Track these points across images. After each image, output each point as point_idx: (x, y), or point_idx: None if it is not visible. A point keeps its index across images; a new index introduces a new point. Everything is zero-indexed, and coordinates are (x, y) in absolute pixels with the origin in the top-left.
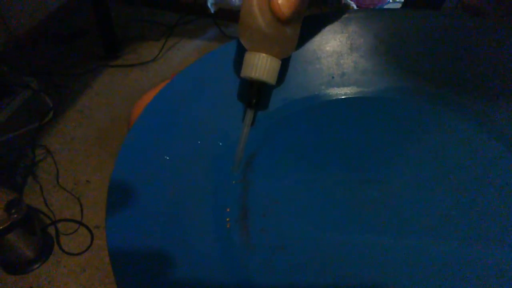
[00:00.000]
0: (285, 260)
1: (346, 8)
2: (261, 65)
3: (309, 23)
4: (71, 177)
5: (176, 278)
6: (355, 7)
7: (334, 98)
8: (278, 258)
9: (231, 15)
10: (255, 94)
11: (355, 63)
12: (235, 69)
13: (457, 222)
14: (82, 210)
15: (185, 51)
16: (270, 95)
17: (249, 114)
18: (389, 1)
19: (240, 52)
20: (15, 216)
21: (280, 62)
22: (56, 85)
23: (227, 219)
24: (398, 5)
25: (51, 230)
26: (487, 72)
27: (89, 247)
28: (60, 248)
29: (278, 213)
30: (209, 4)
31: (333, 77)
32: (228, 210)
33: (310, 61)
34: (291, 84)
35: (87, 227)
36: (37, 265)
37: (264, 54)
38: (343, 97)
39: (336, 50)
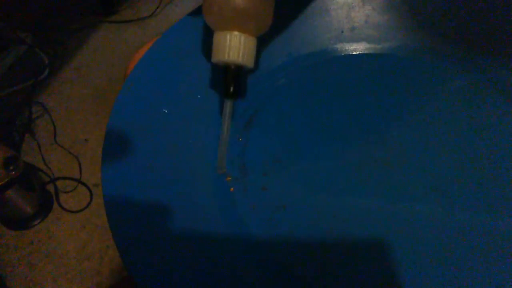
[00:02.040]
0: (286, 219)
1: None
2: (234, 46)
3: None
4: (69, 136)
5: (173, 232)
6: None
7: (343, 54)
8: (279, 217)
9: None
10: (231, 81)
11: (367, 17)
12: None
13: (461, 187)
14: (80, 169)
15: (184, 7)
16: (274, 50)
17: (228, 105)
18: None
19: None
20: (13, 173)
21: (256, 40)
22: (52, 41)
23: (228, 178)
24: None
25: (50, 187)
26: None
27: (88, 204)
28: (60, 205)
29: (280, 172)
30: None
31: (342, 32)
32: (225, 170)
33: (318, 13)
34: (297, 37)
35: (86, 185)
36: (37, 221)
37: (236, 32)
38: (352, 53)
39: (347, 2)
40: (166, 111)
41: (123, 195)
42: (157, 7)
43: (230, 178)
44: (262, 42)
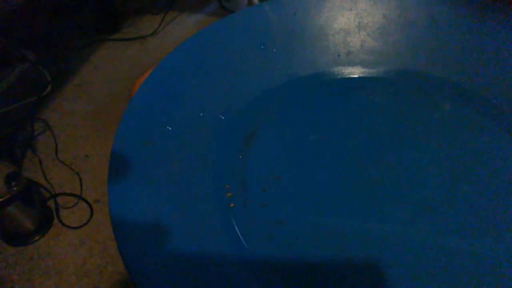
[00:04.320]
0: (284, 235)
1: None
2: None
3: None
4: (70, 152)
5: (176, 246)
6: None
7: (339, 77)
8: (277, 233)
9: None
10: None
11: (362, 42)
12: (239, 41)
13: (452, 208)
14: (81, 185)
15: (185, 26)
16: (274, 71)
17: None
18: None
19: (244, 25)
20: (15, 188)
21: None
22: (54, 58)
23: (228, 194)
24: None
25: (51, 203)
26: (503, 60)
27: (88, 221)
28: (60, 221)
29: (278, 189)
30: None
31: (339, 55)
32: (227, 186)
33: (316, 38)
34: (296, 60)
35: (86, 201)
36: (37, 237)
37: None
38: (348, 76)
39: (343, 28)
40: (170, 129)
41: (129, 212)
42: (159, 26)
43: (231, 194)
44: (264, 63)
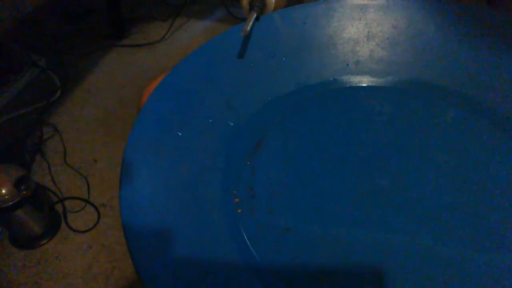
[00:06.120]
0: (291, 242)
1: None
2: None
3: (326, 9)
4: (79, 156)
5: (185, 251)
6: None
7: (348, 86)
8: (285, 240)
9: None
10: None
11: (370, 52)
12: (249, 49)
13: (457, 218)
14: (89, 189)
15: (193, 32)
16: (283, 79)
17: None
18: None
19: (254, 34)
20: (24, 192)
21: None
22: (64, 63)
23: (236, 200)
24: None
25: (59, 207)
26: (510, 71)
27: (95, 225)
28: (67, 225)
29: (285, 196)
30: None
31: (347, 65)
32: (234, 192)
33: (325, 47)
34: (305, 68)
35: (93, 206)
36: (45, 241)
37: None
38: (356, 85)
39: (352, 37)
40: (180, 134)
41: (139, 217)
42: (167, 32)
43: (238, 200)
44: (273, 72)
